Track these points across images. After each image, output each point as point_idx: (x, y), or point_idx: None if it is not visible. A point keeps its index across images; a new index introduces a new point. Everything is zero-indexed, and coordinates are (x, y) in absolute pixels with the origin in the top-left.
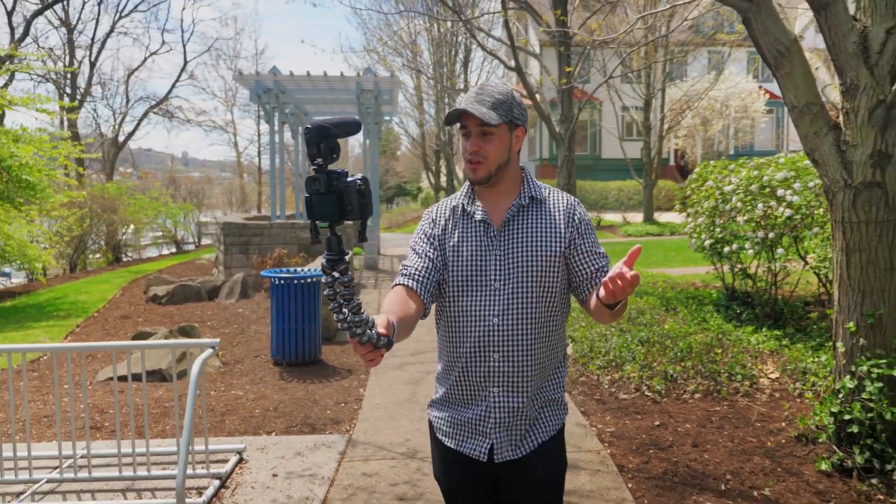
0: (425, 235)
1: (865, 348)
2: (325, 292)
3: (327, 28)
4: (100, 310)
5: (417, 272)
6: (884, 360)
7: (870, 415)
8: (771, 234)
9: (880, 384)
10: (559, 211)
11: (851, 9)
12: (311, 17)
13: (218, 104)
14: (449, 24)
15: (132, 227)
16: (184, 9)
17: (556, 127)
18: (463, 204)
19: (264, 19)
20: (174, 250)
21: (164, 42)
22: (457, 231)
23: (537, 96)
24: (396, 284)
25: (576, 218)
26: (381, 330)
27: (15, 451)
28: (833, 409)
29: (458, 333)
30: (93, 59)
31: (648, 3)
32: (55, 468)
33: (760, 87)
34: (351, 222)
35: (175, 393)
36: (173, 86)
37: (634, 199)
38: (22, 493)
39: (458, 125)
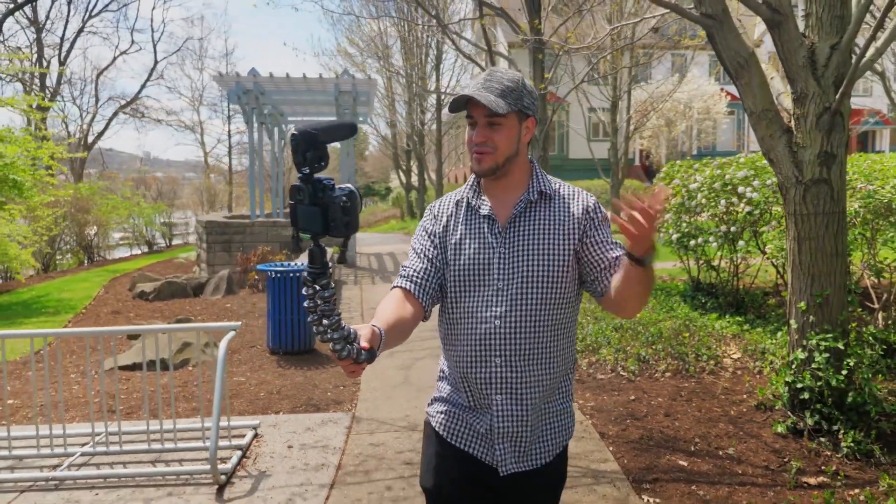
0: (426, 233)
1: (815, 324)
2: (304, 304)
3: (298, 27)
4: (87, 306)
5: (416, 274)
6: (830, 335)
7: (818, 383)
8: (733, 228)
9: (827, 355)
10: (570, 207)
11: (801, 26)
12: (281, 16)
13: (184, 104)
14: (420, 25)
15: (96, 227)
16: (154, 8)
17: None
18: (468, 198)
19: (234, 19)
20: (146, 250)
21: (133, 41)
22: (460, 227)
23: None
24: (395, 287)
25: (589, 211)
26: (364, 343)
27: (51, 429)
28: (787, 379)
29: (459, 335)
30: (62, 59)
31: (615, 12)
32: (86, 444)
33: (722, 89)
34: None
35: (199, 377)
36: (143, 85)
37: (602, 198)
38: (58, 465)
39: (464, 113)
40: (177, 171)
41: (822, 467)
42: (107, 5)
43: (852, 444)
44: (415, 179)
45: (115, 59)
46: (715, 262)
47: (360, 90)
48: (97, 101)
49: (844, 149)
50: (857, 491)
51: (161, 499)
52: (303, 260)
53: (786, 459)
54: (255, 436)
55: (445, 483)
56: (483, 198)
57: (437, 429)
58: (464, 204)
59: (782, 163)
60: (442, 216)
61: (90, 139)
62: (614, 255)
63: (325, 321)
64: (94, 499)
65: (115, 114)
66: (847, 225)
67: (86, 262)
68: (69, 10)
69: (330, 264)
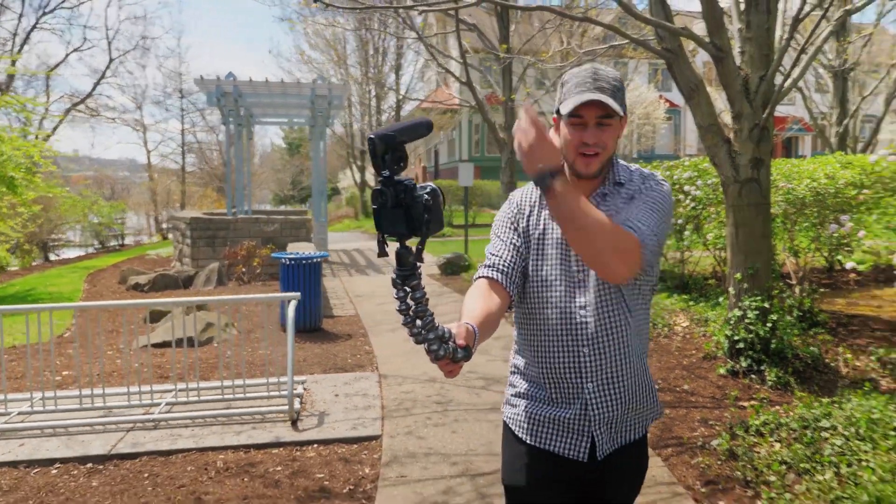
0: (509, 221)
1: (747, 290)
2: (397, 307)
3: (255, 27)
4: (83, 299)
5: (503, 262)
6: (759, 297)
7: (750, 335)
8: (679, 221)
9: (756, 312)
10: (637, 188)
11: (738, 61)
12: (238, 14)
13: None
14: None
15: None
16: (108, 6)
17: (499, 133)
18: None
19: (191, 18)
20: (99, 248)
21: (85, 39)
22: (542, 220)
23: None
24: (480, 277)
25: (643, 187)
26: (460, 341)
27: (140, 386)
28: (727, 333)
29: (542, 328)
30: (14, 55)
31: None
32: (168, 399)
33: (661, 96)
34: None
35: (226, 349)
36: (98, 82)
37: None
38: (147, 413)
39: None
40: (113, 169)
41: (753, 395)
42: (61, 2)
43: (775, 378)
44: (369, 179)
45: (67, 56)
46: (663, 252)
47: (335, 94)
48: (48, 98)
49: (770, 155)
50: (777, 407)
51: (249, 430)
52: (308, 251)
53: (727, 391)
54: (305, 389)
55: (528, 482)
56: None
57: (516, 432)
58: (543, 200)
59: (724, 166)
60: (525, 206)
61: (40, 137)
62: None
63: (418, 322)
64: (191, 433)
65: (68, 111)
66: (771, 214)
67: (41, 260)
68: (23, 5)
69: (418, 265)
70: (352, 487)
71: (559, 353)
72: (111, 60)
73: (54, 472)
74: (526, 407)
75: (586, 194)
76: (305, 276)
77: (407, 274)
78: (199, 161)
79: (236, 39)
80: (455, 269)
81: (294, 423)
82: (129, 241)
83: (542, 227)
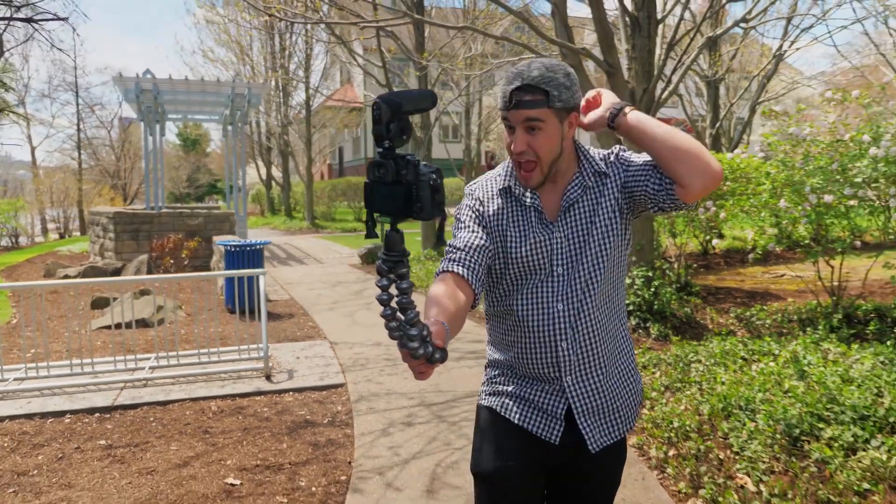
0: (474, 214)
1: (636, 263)
2: (378, 296)
3: (156, 20)
4: (13, 290)
5: (468, 257)
6: (644, 268)
7: (638, 299)
8: None
9: (643, 280)
10: (611, 175)
11: (627, 76)
12: (137, 12)
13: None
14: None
15: None
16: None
17: (416, 131)
18: (510, 185)
19: (88, 12)
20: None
21: None
22: (512, 215)
23: None
24: (444, 271)
25: (618, 162)
26: (437, 341)
27: (125, 356)
28: None
29: (518, 324)
30: None
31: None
32: (149, 363)
33: None
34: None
35: (180, 328)
36: None
37: (457, 195)
38: (131, 375)
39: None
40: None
41: (641, 345)
42: None
43: (657, 332)
44: (276, 175)
45: None
46: None
47: (254, 92)
48: None
49: None
50: (658, 351)
51: (231, 385)
52: (232, 238)
53: None
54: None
55: (506, 468)
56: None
57: (501, 413)
58: (511, 193)
59: None
60: (488, 202)
61: None
62: (651, 165)
63: (400, 316)
64: (180, 389)
65: None
66: None
67: None
68: None
69: (408, 252)
70: (330, 419)
71: (537, 349)
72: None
73: (67, 420)
74: (512, 393)
75: (560, 187)
76: (249, 262)
77: (396, 260)
78: (90, 158)
79: (133, 33)
80: (376, 259)
81: (268, 377)
82: (23, 240)
83: (511, 223)
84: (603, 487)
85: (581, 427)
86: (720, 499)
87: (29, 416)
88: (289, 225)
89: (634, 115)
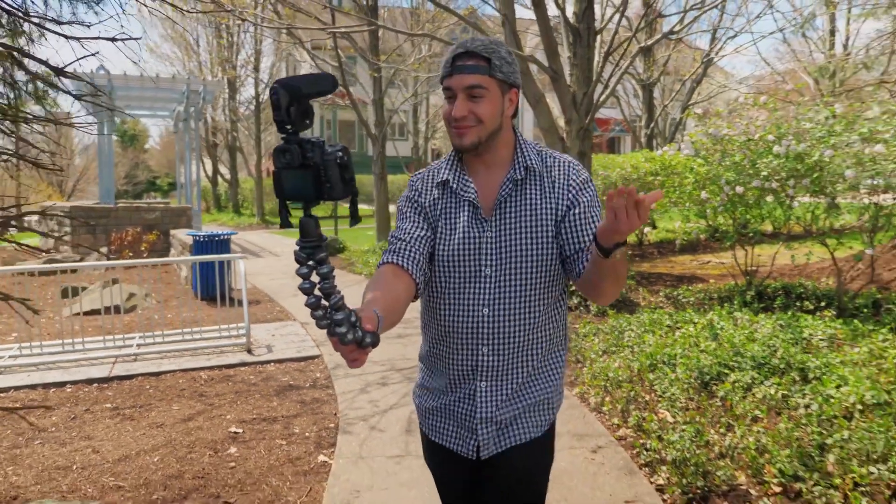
0: (415, 204)
1: None
2: (300, 285)
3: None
4: None
5: (408, 248)
6: None
7: None
8: None
9: None
10: (557, 180)
11: (569, 80)
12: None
13: None
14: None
15: None
16: None
17: (371, 129)
18: (448, 179)
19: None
20: None
21: None
22: (445, 210)
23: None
24: (384, 263)
25: (572, 182)
26: (367, 325)
27: (114, 335)
28: None
29: (444, 323)
30: None
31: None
32: (136, 342)
33: None
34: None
35: (153, 313)
36: None
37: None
38: (120, 352)
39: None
40: None
41: (581, 320)
42: None
43: (596, 309)
44: (224, 171)
45: None
46: None
47: (209, 89)
48: None
49: (591, 150)
50: (597, 324)
51: (216, 357)
52: (197, 230)
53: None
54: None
55: (436, 464)
56: (467, 179)
57: (423, 430)
58: (448, 186)
59: None
60: (426, 193)
61: None
62: (594, 235)
63: (324, 302)
64: (170, 362)
65: None
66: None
67: None
68: None
69: (325, 237)
70: (312, 383)
71: (459, 350)
72: None
73: (69, 389)
74: (426, 398)
75: (498, 179)
76: (217, 251)
77: (313, 246)
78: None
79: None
80: (329, 251)
81: (249, 351)
82: None
83: (444, 219)
84: (519, 486)
85: (480, 432)
86: (644, 426)
87: (32, 387)
88: (237, 221)
89: (621, 252)
